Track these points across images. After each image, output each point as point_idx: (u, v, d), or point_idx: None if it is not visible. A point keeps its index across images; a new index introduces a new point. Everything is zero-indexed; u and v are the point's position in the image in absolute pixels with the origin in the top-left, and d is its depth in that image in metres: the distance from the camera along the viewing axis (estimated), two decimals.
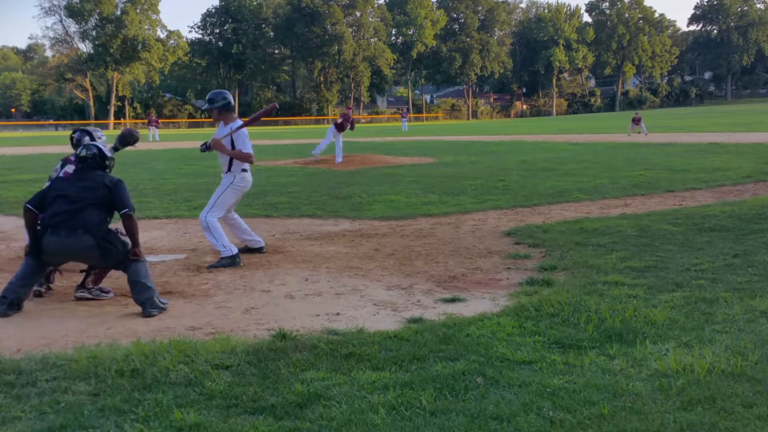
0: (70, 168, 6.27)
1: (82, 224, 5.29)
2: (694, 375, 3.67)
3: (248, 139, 7.20)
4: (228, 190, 7.17)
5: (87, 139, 6.50)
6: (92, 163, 5.59)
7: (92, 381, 3.74)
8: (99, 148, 5.66)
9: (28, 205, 5.46)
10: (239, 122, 7.16)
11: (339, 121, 21.26)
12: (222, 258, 6.90)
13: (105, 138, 6.62)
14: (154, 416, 3.31)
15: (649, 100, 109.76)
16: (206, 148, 7.35)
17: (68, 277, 6.28)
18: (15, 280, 5.37)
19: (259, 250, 7.44)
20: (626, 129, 35.27)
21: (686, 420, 3.16)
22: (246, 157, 7.15)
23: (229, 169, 7.20)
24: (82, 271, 5.93)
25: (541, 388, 3.54)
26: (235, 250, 6.97)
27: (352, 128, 21.55)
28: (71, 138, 6.67)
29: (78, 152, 5.71)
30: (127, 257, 5.41)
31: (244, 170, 7.22)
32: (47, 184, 5.98)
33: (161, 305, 5.30)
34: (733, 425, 3.11)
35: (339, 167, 18.78)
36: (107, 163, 5.67)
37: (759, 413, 3.22)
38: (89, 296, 5.73)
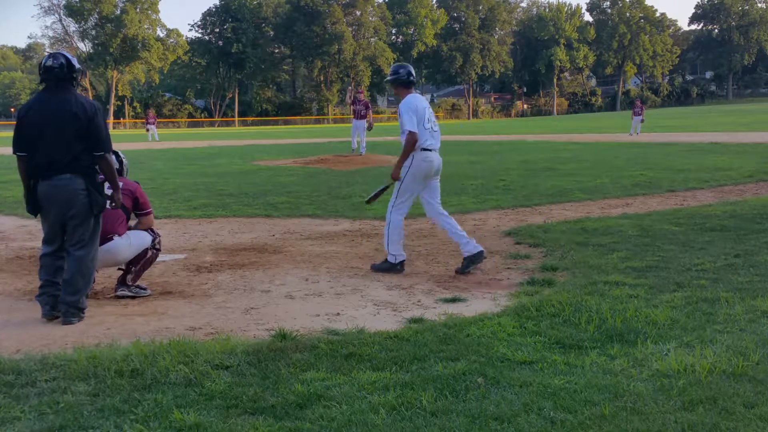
0: None
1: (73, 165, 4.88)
2: (696, 375, 3.66)
3: (411, 114, 6.41)
4: (407, 176, 6.53)
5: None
6: (59, 74, 4.95)
7: (92, 381, 3.73)
8: (67, 57, 4.99)
9: (18, 153, 5.04)
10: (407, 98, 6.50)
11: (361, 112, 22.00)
12: (385, 261, 6.49)
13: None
14: (154, 416, 3.30)
15: (650, 100, 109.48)
16: None
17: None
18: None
19: (478, 256, 6.41)
20: (628, 129, 35.21)
21: (687, 420, 3.15)
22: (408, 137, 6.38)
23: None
24: (120, 269, 5.86)
25: (542, 389, 3.53)
26: (401, 258, 6.42)
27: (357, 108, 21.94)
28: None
29: (43, 62, 4.99)
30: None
31: (423, 149, 6.54)
32: None
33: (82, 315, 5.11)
34: (734, 426, 3.10)
35: (340, 166, 18.76)
36: (75, 75, 5.02)
37: (761, 413, 3.21)
38: (129, 294, 5.68)
